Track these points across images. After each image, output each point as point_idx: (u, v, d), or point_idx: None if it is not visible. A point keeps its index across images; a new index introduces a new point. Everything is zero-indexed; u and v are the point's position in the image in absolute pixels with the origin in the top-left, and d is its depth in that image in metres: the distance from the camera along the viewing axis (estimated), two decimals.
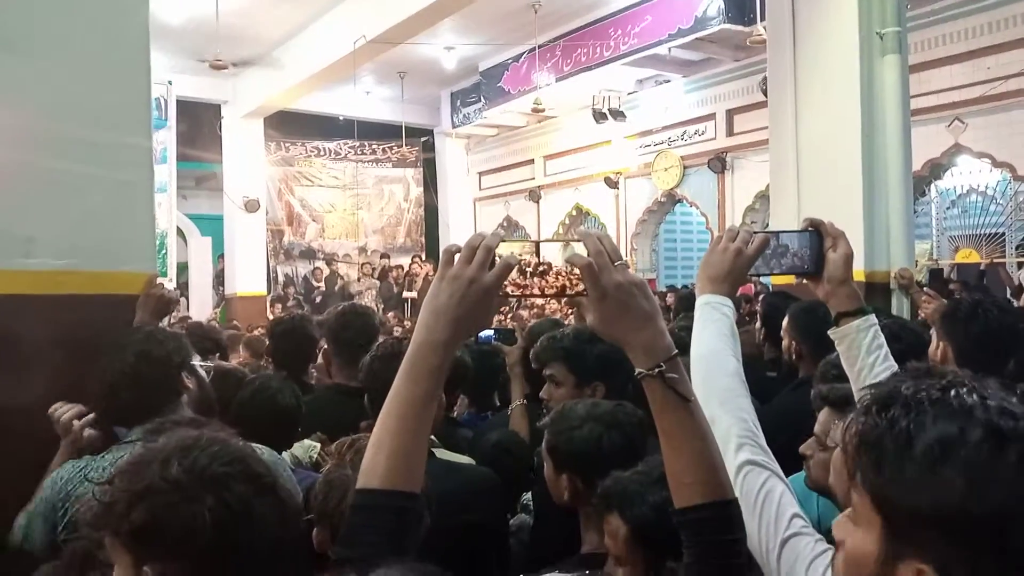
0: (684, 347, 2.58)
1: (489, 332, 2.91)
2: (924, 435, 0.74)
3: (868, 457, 0.78)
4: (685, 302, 5.17)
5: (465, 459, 2.32)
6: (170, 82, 11.90)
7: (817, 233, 1.57)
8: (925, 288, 4.65)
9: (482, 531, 2.04)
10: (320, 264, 15.94)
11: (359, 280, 14.80)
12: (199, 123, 14.71)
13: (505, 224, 16.47)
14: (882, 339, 1.59)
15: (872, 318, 1.60)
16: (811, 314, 2.99)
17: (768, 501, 1.21)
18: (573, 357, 2.34)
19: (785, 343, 3.08)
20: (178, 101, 12.37)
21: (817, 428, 1.97)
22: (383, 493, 1.06)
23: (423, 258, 15.60)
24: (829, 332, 1.64)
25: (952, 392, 0.77)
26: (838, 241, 1.55)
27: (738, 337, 1.44)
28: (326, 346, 3.33)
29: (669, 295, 11.50)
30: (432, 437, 2.08)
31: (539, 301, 10.08)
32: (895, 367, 1.58)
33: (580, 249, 1.09)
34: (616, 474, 1.56)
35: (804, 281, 1.64)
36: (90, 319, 2.24)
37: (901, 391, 0.79)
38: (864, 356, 1.57)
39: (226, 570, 1.03)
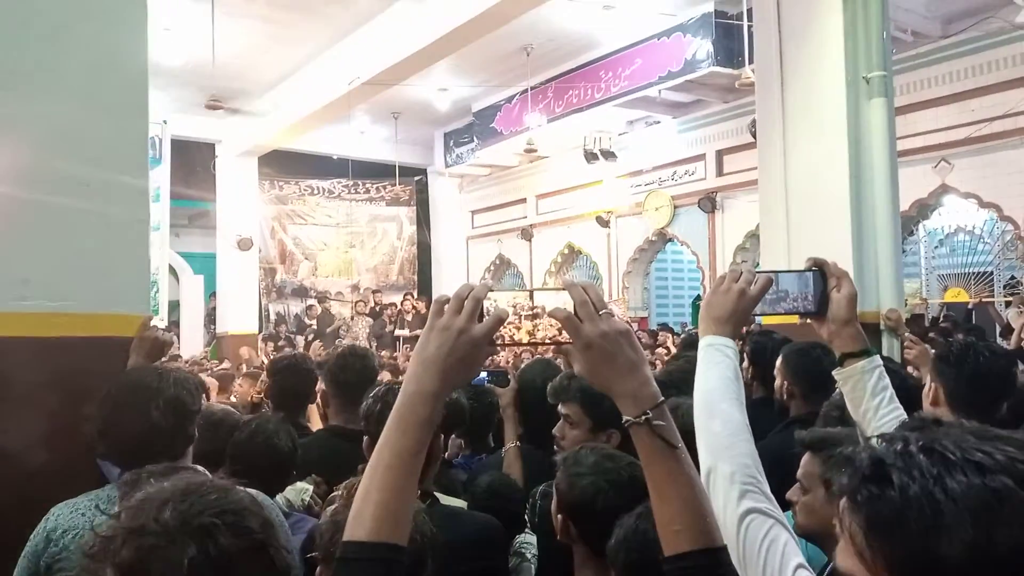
0: (681, 386, 2.59)
1: (482, 375, 2.91)
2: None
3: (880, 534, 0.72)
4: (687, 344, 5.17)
5: (460, 503, 2.31)
6: (165, 121, 11.99)
7: (820, 273, 1.56)
8: (907, 333, 4.67)
9: None
10: (313, 302, 15.91)
11: (352, 319, 14.76)
12: (193, 161, 14.78)
13: (497, 262, 16.52)
14: (887, 381, 1.58)
15: (877, 359, 1.59)
16: (804, 355, 3.01)
17: (772, 551, 1.20)
18: (589, 401, 2.31)
19: (777, 383, 3.09)
20: (172, 140, 12.45)
21: (800, 473, 1.97)
22: (370, 545, 1.05)
23: (415, 295, 15.60)
24: (833, 373, 1.63)
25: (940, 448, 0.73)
26: (842, 281, 1.55)
27: (742, 380, 1.42)
28: (323, 387, 3.31)
29: (661, 333, 11.53)
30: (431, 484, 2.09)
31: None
32: (901, 409, 1.58)
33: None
34: (622, 521, 1.56)
35: (808, 321, 1.62)
36: (84, 361, 2.24)
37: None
38: (869, 398, 1.56)
39: None
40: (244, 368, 7.37)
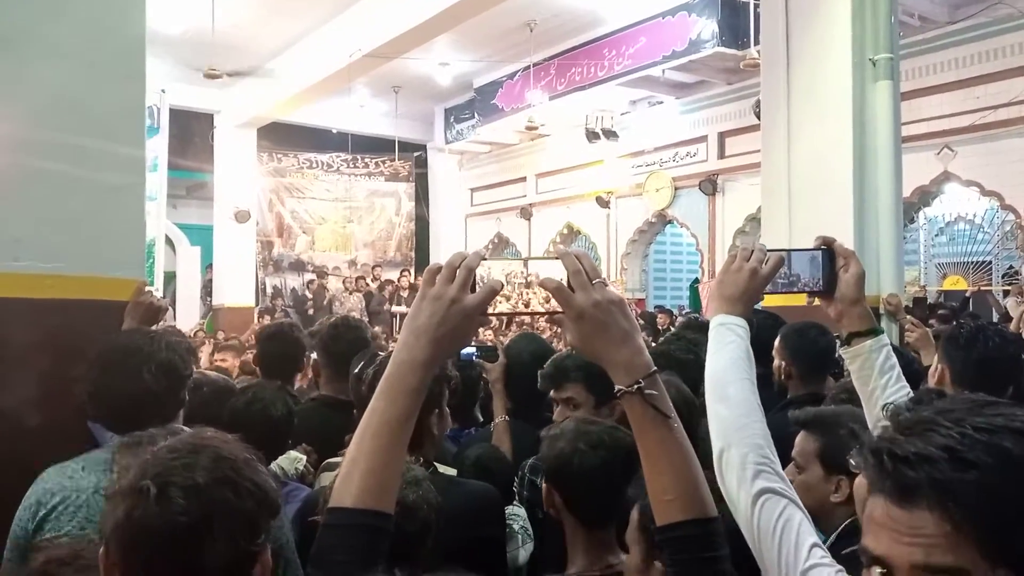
0: (678, 364, 2.57)
1: (471, 349, 2.88)
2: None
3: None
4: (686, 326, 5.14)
5: (452, 471, 2.30)
6: (163, 90, 11.88)
7: (829, 252, 1.56)
8: (909, 316, 4.66)
9: (490, 545, 2.04)
10: (313, 277, 15.86)
11: (349, 293, 14.74)
12: (191, 132, 14.69)
13: (496, 241, 16.49)
14: (894, 360, 1.58)
15: (884, 338, 1.59)
16: (802, 335, 3.00)
17: (787, 530, 1.19)
18: (593, 376, 2.28)
19: (776, 363, 3.08)
20: (171, 110, 12.35)
21: (795, 452, 1.99)
22: (356, 512, 1.05)
23: (412, 273, 15.58)
24: (841, 351, 1.63)
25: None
26: (849, 261, 1.55)
27: (753, 359, 1.41)
28: (315, 357, 3.30)
29: (660, 316, 11.53)
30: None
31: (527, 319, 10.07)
32: (908, 387, 1.58)
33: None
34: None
35: (816, 301, 1.62)
36: (77, 324, 2.22)
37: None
38: (877, 376, 1.56)
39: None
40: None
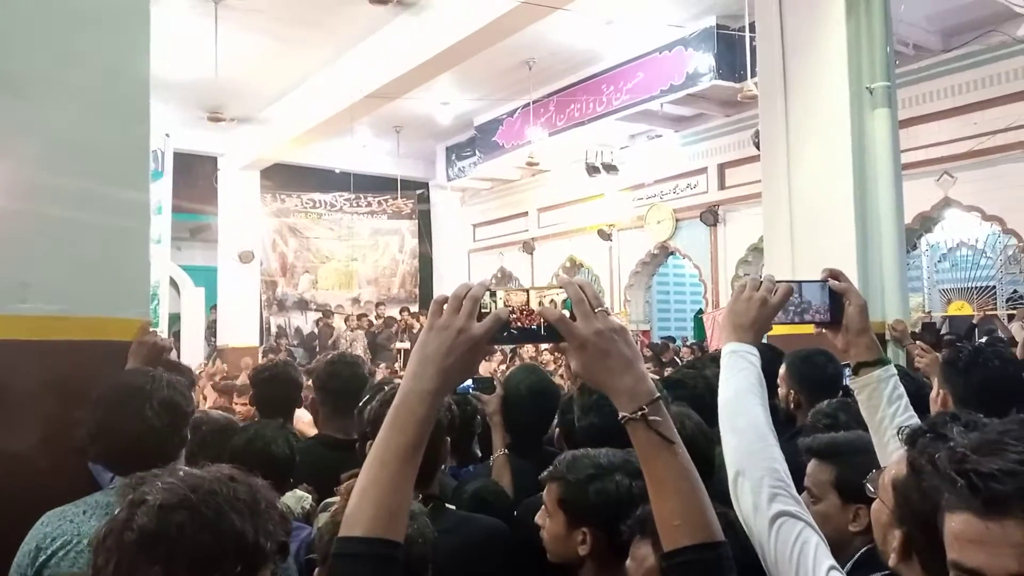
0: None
1: (467, 383, 2.85)
2: None
3: None
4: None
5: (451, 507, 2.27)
6: (168, 135, 12.01)
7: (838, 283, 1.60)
8: (918, 342, 4.64)
9: None
10: (321, 316, 15.83)
11: (352, 331, 14.74)
12: (195, 175, 14.80)
13: (499, 275, 16.52)
14: (902, 389, 1.61)
15: (892, 368, 1.61)
16: (809, 363, 2.98)
17: (804, 553, 1.21)
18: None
19: (782, 391, 3.06)
20: (175, 153, 12.46)
21: (809, 482, 1.96)
22: (365, 541, 1.05)
23: (410, 310, 15.58)
24: (848, 382, 1.66)
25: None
26: (848, 293, 1.58)
27: (765, 385, 1.43)
28: (313, 395, 3.25)
29: (665, 355, 11.47)
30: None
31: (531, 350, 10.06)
32: (916, 417, 1.58)
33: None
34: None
35: (823, 331, 1.65)
36: (83, 365, 2.22)
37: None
38: (885, 406, 1.58)
39: None
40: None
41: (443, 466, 2.85)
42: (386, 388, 2.13)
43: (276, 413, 3.21)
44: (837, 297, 1.58)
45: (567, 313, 1.10)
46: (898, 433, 1.46)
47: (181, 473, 1.12)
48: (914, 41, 9.73)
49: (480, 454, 3.12)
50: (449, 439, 2.09)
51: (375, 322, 15.15)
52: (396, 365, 12.22)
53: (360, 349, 13.53)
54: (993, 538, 0.76)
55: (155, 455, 1.80)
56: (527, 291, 1.16)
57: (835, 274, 1.60)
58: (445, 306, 1.10)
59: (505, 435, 2.72)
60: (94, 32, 2.52)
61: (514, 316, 1.13)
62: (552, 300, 1.14)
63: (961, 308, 10.90)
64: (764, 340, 1.73)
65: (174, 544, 1.00)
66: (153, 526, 1.01)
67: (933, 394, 2.34)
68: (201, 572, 1.01)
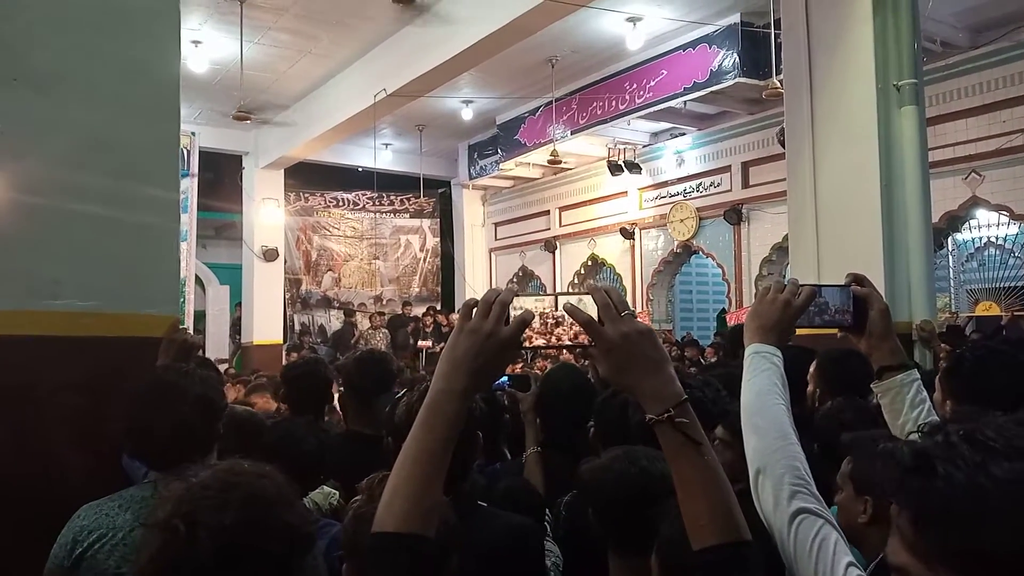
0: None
1: (503, 379, 2.87)
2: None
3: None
4: (733, 337, 5.08)
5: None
6: (194, 133, 12.14)
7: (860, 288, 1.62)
8: (943, 344, 4.59)
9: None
10: (347, 316, 15.90)
11: (375, 329, 14.82)
12: (220, 173, 14.94)
13: (520, 274, 16.52)
14: (925, 394, 1.63)
15: (915, 373, 1.63)
16: (840, 364, 2.96)
17: (823, 549, 1.22)
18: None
19: (810, 389, 3.04)
20: (200, 152, 12.59)
21: (838, 475, 2.01)
22: (398, 536, 1.09)
23: (436, 309, 15.63)
24: (872, 385, 1.67)
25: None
26: (871, 298, 1.60)
27: (787, 386, 1.45)
28: (342, 391, 3.29)
29: (688, 348, 11.42)
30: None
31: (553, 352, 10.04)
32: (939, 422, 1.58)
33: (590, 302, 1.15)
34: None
35: (845, 334, 1.66)
36: (114, 360, 2.26)
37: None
38: (908, 410, 1.60)
39: None
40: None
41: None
42: (416, 388, 2.13)
43: (306, 410, 3.25)
44: (860, 302, 1.60)
45: (595, 316, 1.13)
46: (919, 427, 1.46)
47: (222, 475, 1.19)
48: (942, 38, 9.60)
49: (509, 455, 3.13)
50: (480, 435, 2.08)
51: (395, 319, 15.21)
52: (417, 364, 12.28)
53: (383, 347, 13.59)
54: None
55: (190, 450, 1.83)
56: (555, 296, 1.19)
57: (859, 279, 1.62)
58: (474, 310, 1.15)
59: (539, 432, 2.72)
60: (124, 31, 2.56)
61: (539, 323, 1.16)
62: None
63: (989, 308, 10.75)
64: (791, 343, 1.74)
65: (252, 560, 1.13)
66: (225, 548, 1.11)
67: (936, 395, 2.33)
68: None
